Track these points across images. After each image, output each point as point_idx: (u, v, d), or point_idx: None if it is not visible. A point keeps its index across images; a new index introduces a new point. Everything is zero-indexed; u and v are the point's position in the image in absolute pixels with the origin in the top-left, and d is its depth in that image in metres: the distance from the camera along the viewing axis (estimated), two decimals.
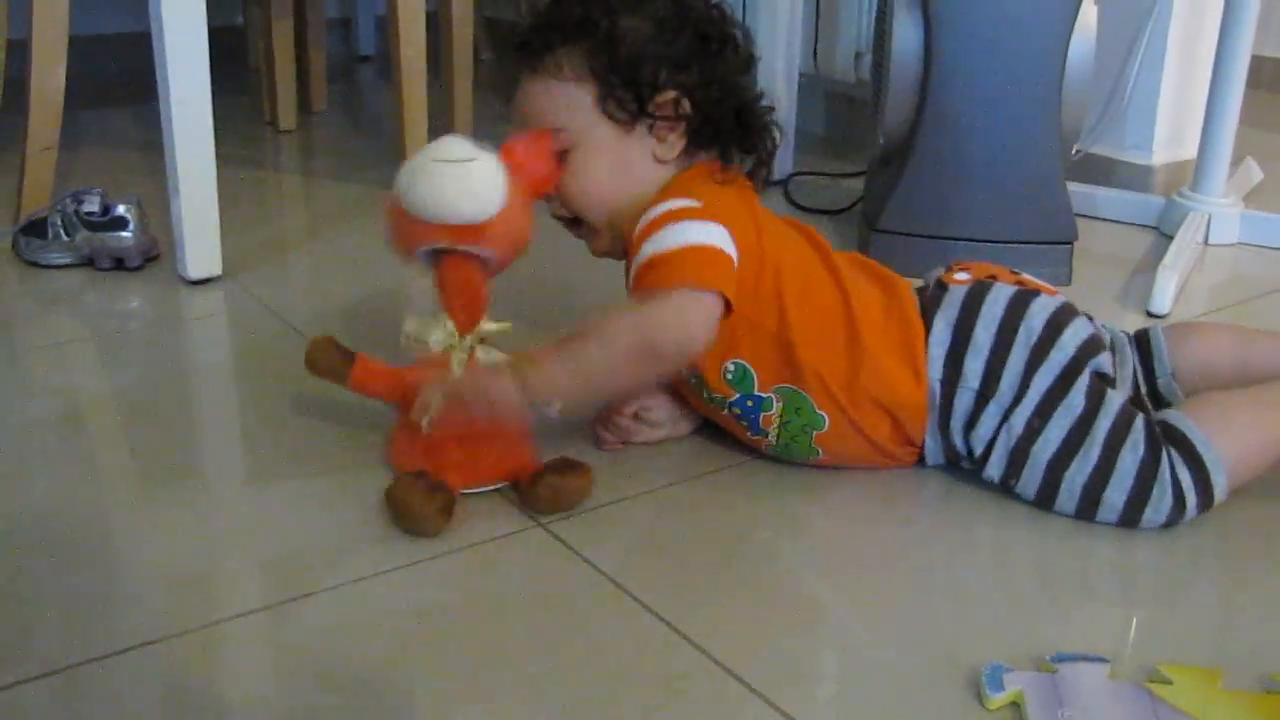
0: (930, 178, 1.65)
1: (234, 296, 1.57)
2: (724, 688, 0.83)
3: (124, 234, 1.62)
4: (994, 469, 1.08)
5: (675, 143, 1.14)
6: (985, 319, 1.09)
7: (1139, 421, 1.05)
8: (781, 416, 1.11)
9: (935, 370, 1.09)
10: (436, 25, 2.19)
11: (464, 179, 1.02)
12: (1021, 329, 1.08)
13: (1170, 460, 1.04)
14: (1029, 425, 1.06)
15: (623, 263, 1.16)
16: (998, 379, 1.07)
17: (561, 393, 1.02)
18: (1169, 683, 0.83)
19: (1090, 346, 1.09)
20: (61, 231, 1.63)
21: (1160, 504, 1.04)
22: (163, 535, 1.03)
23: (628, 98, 1.11)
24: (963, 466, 1.13)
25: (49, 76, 1.73)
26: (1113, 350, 1.15)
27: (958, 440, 1.10)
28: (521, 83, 1.15)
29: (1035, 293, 1.11)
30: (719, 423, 1.18)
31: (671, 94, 1.12)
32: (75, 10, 1.74)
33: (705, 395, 1.13)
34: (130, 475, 1.16)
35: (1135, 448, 1.04)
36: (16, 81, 1.79)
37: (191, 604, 0.93)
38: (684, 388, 1.16)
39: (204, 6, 1.49)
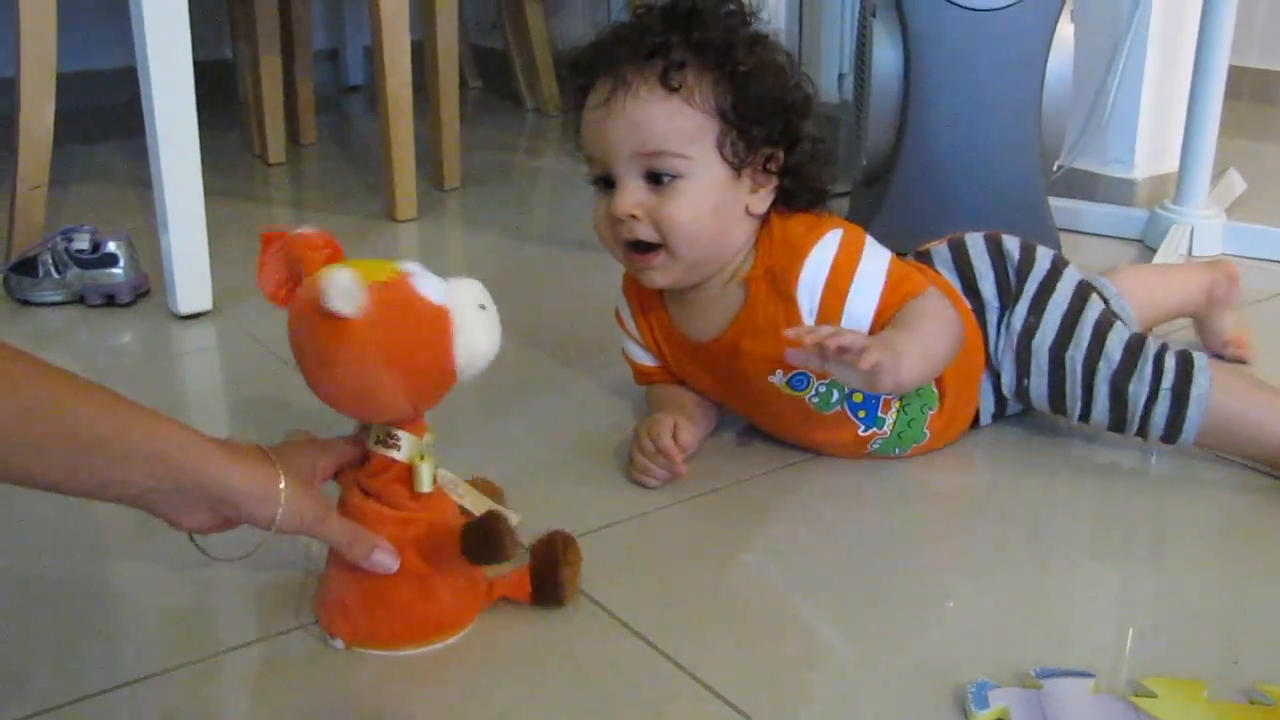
0: (913, 196, 1.66)
1: (224, 331, 1.58)
2: (710, 710, 0.84)
3: (114, 270, 1.63)
4: (1009, 373, 1.19)
5: (767, 198, 1.13)
6: (974, 253, 1.23)
7: (1120, 324, 1.19)
8: (902, 400, 1.16)
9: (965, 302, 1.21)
10: (423, 55, 2.20)
11: (495, 325, 0.93)
12: (1004, 255, 1.23)
13: (1160, 349, 1.16)
14: (1026, 323, 1.18)
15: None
16: (1008, 293, 1.20)
17: (916, 373, 1.06)
18: (1153, 696, 0.84)
19: (1061, 261, 1.23)
20: (52, 269, 1.64)
21: (1143, 372, 1.14)
22: (157, 570, 1.03)
23: (748, 145, 1.09)
24: (1007, 414, 1.26)
25: (38, 114, 1.75)
26: None
27: (993, 363, 1.21)
28: (639, 90, 1.07)
29: (995, 235, 1.25)
30: (806, 433, 1.19)
31: (779, 154, 1.12)
32: (63, 46, 1.75)
33: (822, 393, 1.14)
34: (124, 511, 1.16)
35: (1120, 332, 1.17)
36: (5, 119, 1.80)
37: (187, 638, 0.94)
38: (776, 397, 1.15)
39: (189, 41, 1.50)
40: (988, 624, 0.96)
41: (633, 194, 1.09)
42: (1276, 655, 0.91)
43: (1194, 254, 1.83)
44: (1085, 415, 1.17)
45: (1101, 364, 1.15)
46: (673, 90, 1.07)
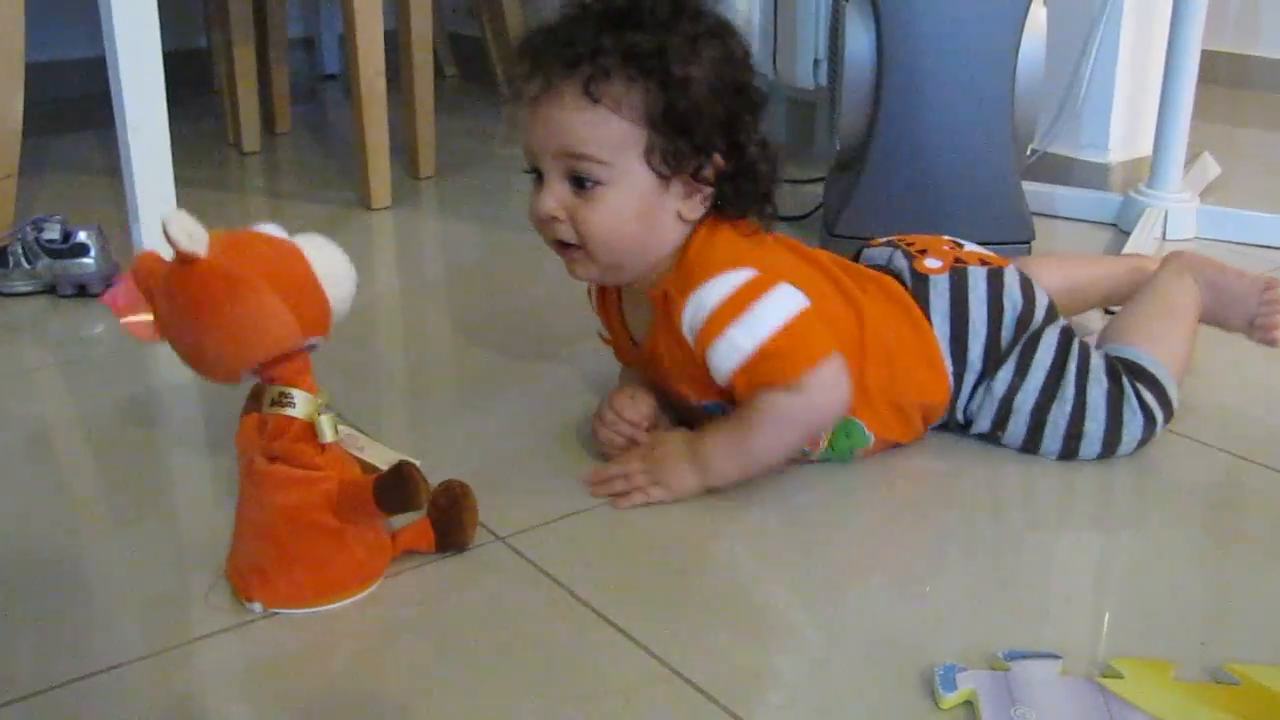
0: (886, 181, 1.66)
1: None
2: (681, 695, 0.84)
3: (85, 260, 1.62)
4: (983, 424, 1.18)
5: (702, 204, 1.09)
6: (975, 303, 1.17)
7: (1096, 359, 1.18)
8: (830, 439, 1.14)
9: (947, 364, 1.17)
10: (398, 43, 2.19)
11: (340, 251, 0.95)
12: (1006, 303, 1.17)
13: (1134, 387, 1.16)
14: (1010, 385, 1.16)
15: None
16: (996, 359, 1.17)
17: (730, 479, 1.09)
18: (1120, 677, 0.84)
19: (1052, 310, 1.21)
20: (23, 259, 1.63)
21: (1133, 424, 1.16)
22: (132, 558, 1.03)
23: (677, 155, 1.05)
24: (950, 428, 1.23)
25: (7, 104, 1.74)
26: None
27: (958, 415, 1.20)
28: (564, 97, 1.04)
29: (999, 269, 1.20)
30: None
31: (718, 159, 1.07)
32: (33, 37, 1.74)
33: None
34: (99, 499, 1.16)
35: (1099, 381, 1.16)
36: None
37: (162, 626, 0.94)
38: (699, 411, 1.16)
39: (158, 29, 1.49)
40: (956, 608, 0.96)
41: (555, 194, 1.07)
42: (1244, 637, 0.92)
43: (1168, 238, 1.84)
44: (1066, 458, 1.17)
45: (1089, 425, 1.15)
46: (595, 100, 1.03)
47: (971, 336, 1.17)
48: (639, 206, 1.06)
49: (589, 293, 1.25)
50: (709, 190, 1.08)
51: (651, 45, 1.03)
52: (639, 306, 1.16)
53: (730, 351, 1.05)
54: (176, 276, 0.87)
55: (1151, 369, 1.18)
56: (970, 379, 1.18)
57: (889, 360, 1.14)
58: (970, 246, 1.25)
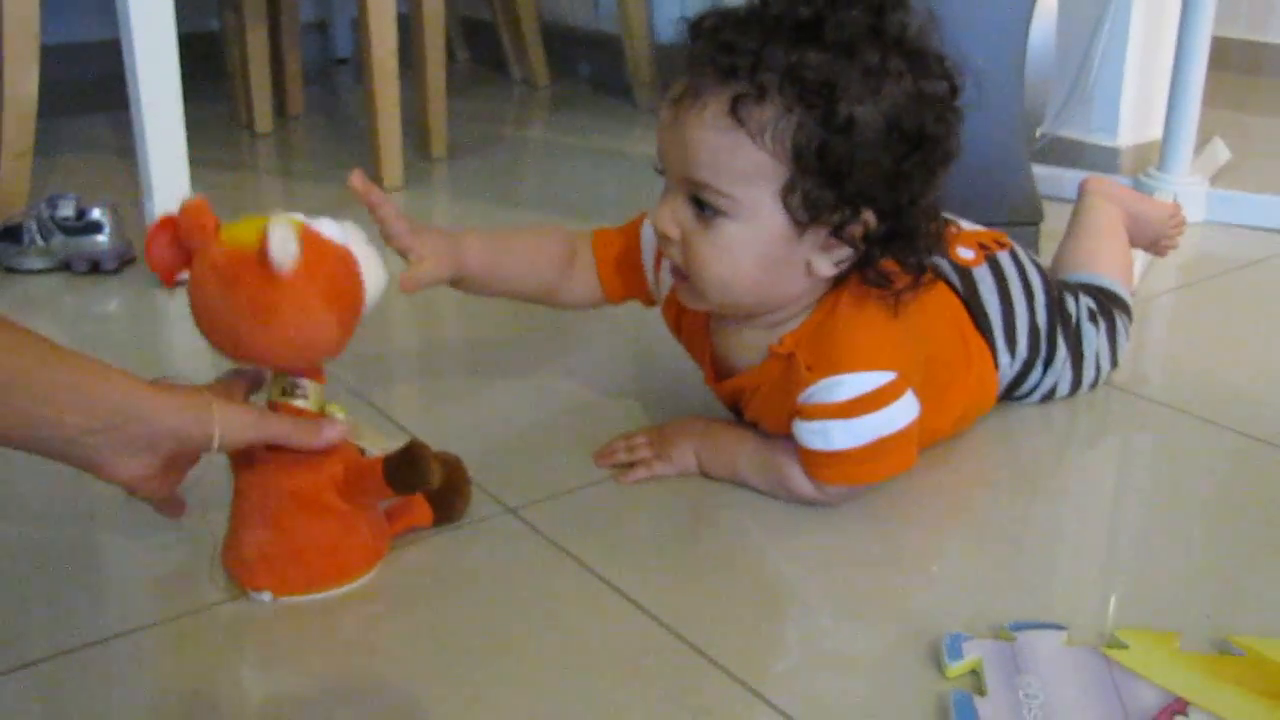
0: None
1: None
2: (690, 664, 0.85)
3: (99, 237, 1.63)
4: (1035, 399, 1.23)
5: (841, 263, 0.96)
6: (1015, 291, 1.16)
7: (1088, 301, 1.24)
8: None
9: (1004, 362, 1.16)
10: (410, 26, 2.20)
11: (381, 259, 0.93)
12: (1033, 284, 1.17)
13: (1119, 316, 1.27)
14: (1062, 363, 1.21)
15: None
16: (1036, 342, 1.17)
17: (722, 479, 1.08)
18: (1125, 647, 0.85)
19: (1055, 283, 1.22)
20: (37, 236, 1.63)
21: (1123, 346, 1.28)
22: (142, 532, 1.04)
23: (821, 205, 0.92)
24: None
25: (21, 83, 1.74)
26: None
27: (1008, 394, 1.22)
28: (705, 110, 0.92)
29: (1013, 251, 1.19)
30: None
31: (870, 217, 0.93)
32: (49, 19, 1.75)
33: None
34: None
35: (1099, 323, 1.24)
36: None
37: (172, 595, 0.94)
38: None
39: (172, 9, 1.50)
40: (963, 578, 0.97)
41: (674, 210, 0.97)
42: (1249, 609, 0.93)
43: None
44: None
45: (1103, 366, 1.25)
46: (739, 123, 0.91)
47: (1019, 325, 1.15)
48: (762, 250, 0.95)
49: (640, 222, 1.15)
50: (855, 252, 0.96)
51: (821, 73, 0.89)
52: (741, 341, 1.06)
53: (818, 439, 0.99)
54: (243, 275, 0.84)
55: (1116, 290, 1.29)
56: (1018, 365, 1.17)
57: (957, 397, 1.12)
58: (966, 225, 1.20)
